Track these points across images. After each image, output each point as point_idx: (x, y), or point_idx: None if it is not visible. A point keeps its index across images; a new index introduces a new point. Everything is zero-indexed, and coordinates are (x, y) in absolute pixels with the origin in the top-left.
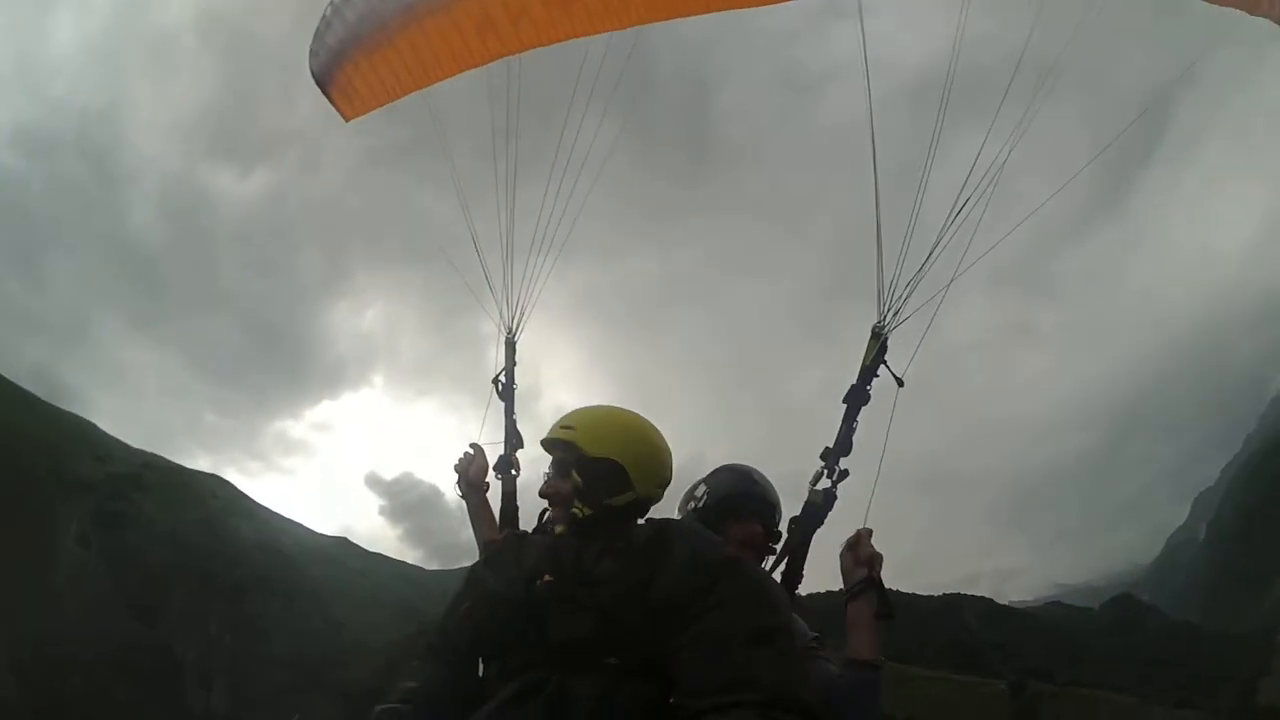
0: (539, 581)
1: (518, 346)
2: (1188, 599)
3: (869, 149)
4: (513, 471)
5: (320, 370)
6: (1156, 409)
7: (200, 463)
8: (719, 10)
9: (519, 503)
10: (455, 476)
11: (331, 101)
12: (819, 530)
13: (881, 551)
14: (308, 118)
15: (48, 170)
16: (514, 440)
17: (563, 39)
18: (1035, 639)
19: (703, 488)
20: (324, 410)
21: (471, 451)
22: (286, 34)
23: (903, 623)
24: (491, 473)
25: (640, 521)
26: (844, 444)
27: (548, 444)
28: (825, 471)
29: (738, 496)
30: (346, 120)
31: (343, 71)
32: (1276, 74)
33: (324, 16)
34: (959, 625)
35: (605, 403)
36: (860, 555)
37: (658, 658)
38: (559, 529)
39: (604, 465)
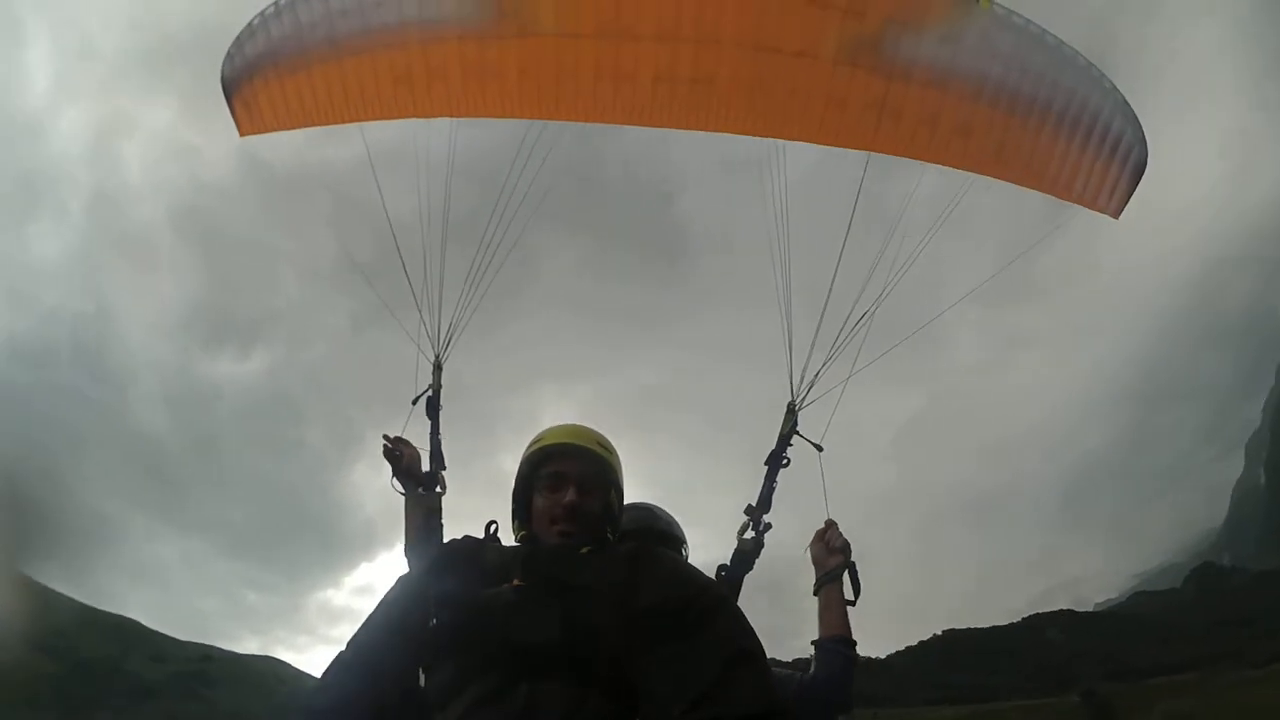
0: (506, 585)
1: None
2: (1265, 548)
3: (821, 208)
4: (438, 489)
5: (352, 534)
6: (1176, 373)
7: (249, 645)
8: (625, 124)
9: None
10: (390, 470)
11: (232, 111)
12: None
13: (946, 591)
14: (293, 293)
15: (47, 379)
16: (439, 460)
17: (471, 115)
18: (1122, 635)
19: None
20: (363, 574)
21: (393, 443)
22: (259, 218)
23: (984, 657)
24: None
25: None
26: (765, 501)
27: (582, 454)
28: (751, 524)
29: (640, 534)
30: (241, 135)
31: (251, 85)
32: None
33: (250, 24)
34: (1043, 645)
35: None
36: (832, 543)
37: (624, 670)
38: (585, 550)
39: (622, 498)
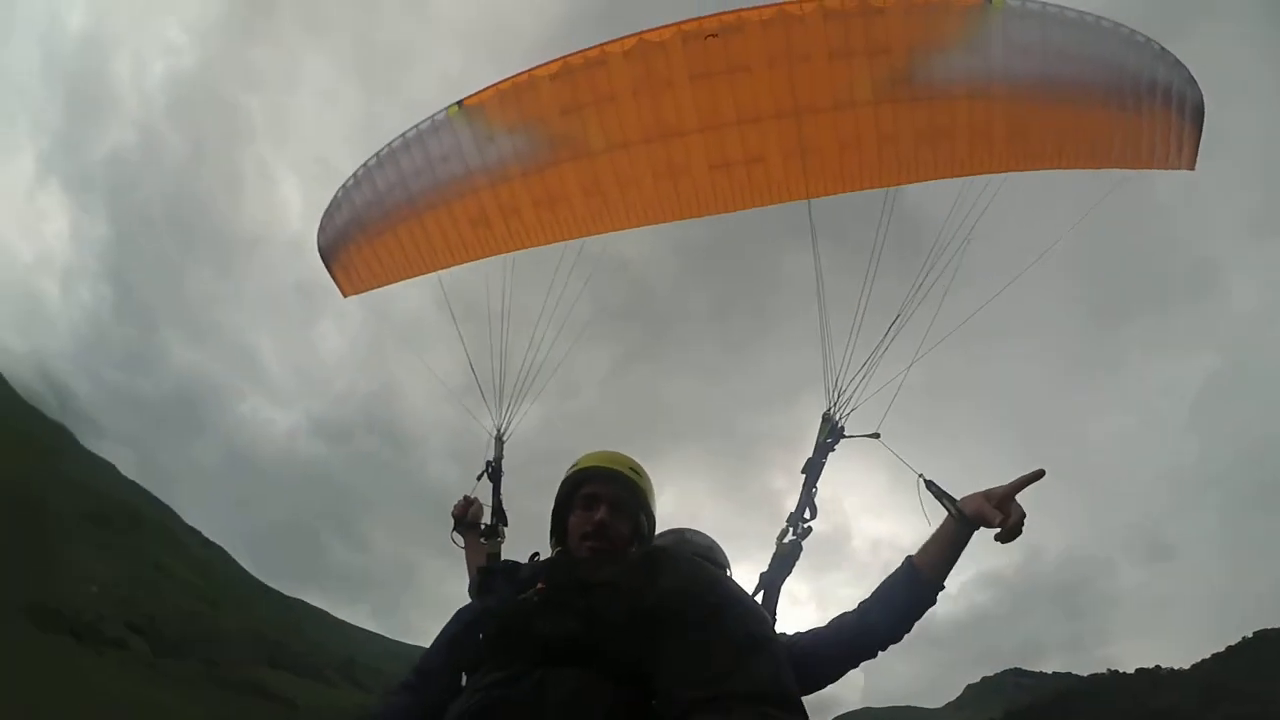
0: (531, 590)
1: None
2: None
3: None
4: (498, 539)
5: None
6: None
7: None
8: (691, 218)
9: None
10: (451, 522)
11: (333, 277)
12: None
13: (1260, 580)
14: (555, 350)
15: (348, 450)
16: (501, 515)
17: (549, 242)
18: None
19: None
20: None
21: (468, 499)
22: (510, 293)
23: None
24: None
25: None
26: (803, 508)
27: (615, 478)
28: (790, 529)
29: None
30: (344, 296)
31: (345, 251)
32: None
33: (335, 197)
34: None
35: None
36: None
37: (642, 662)
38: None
39: (654, 521)
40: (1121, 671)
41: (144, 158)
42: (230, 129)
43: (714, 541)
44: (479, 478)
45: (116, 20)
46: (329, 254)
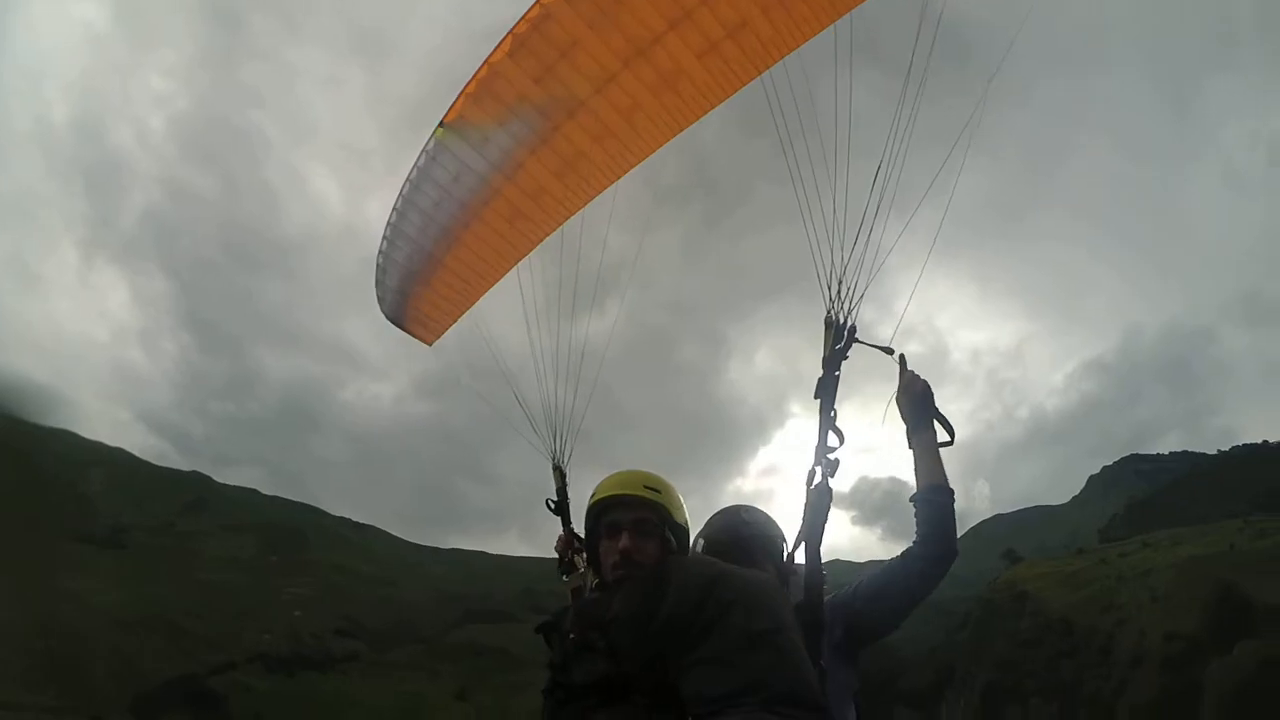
0: (569, 640)
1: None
2: None
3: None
4: (579, 571)
5: (744, 425)
6: None
7: None
8: (709, 112)
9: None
10: (557, 557)
11: (411, 334)
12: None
13: None
14: (620, 252)
15: (455, 398)
16: (576, 543)
17: (589, 200)
18: None
19: (700, 543)
20: (763, 457)
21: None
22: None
23: None
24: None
25: None
26: (825, 435)
27: (632, 502)
28: (818, 467)
29: (729, 545)
30: (429, 345)
31: (409, 306)
32: None
33: (378, 264)
34: None
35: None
36: (913, 388)
37: (670, 684)
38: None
39: (684, 532)
40: (1242, 444)
41: (176, 206)
42: (247, 149)
43: (768, 517)
44: (548, 505)
45: (98, 96)
46: (396, 316)
